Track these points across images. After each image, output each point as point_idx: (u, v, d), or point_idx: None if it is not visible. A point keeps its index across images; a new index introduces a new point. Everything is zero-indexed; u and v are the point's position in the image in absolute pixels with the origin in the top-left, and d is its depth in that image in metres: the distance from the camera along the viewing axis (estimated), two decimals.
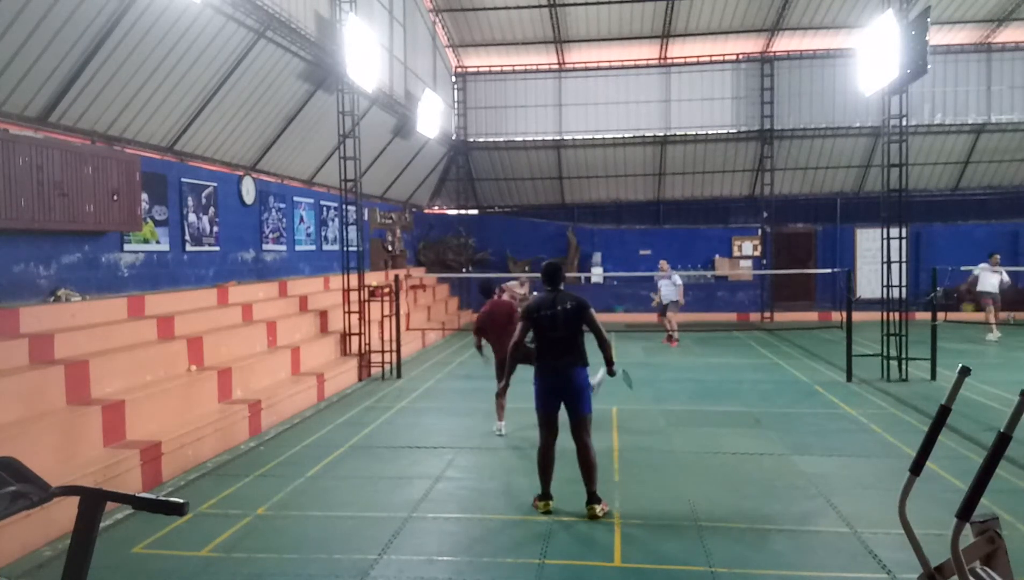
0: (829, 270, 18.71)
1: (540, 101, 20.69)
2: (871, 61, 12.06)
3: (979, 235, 19.05)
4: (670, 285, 15.42)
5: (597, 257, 20.70)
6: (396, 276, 13.15)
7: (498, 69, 20.74)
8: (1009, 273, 17.90)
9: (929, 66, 10.19)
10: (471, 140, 21.13)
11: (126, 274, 8.88)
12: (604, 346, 5.91)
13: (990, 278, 15.11)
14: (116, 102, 8.46)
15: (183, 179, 10.00)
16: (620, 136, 20.49)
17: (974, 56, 19.24)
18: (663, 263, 15.93)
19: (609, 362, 6.01)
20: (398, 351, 12.10)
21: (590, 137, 20.65)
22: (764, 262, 20.27)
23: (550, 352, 5.91)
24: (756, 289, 20.03)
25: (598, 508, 5.70)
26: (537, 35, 19.49)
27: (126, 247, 8.86)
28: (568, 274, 19.68)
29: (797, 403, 9.75)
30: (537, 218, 21.74)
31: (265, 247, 12.28)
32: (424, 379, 11.80)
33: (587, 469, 5.77)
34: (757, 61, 19.88)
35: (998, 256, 15.44)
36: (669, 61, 20.17)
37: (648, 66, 20.27)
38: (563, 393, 5.87)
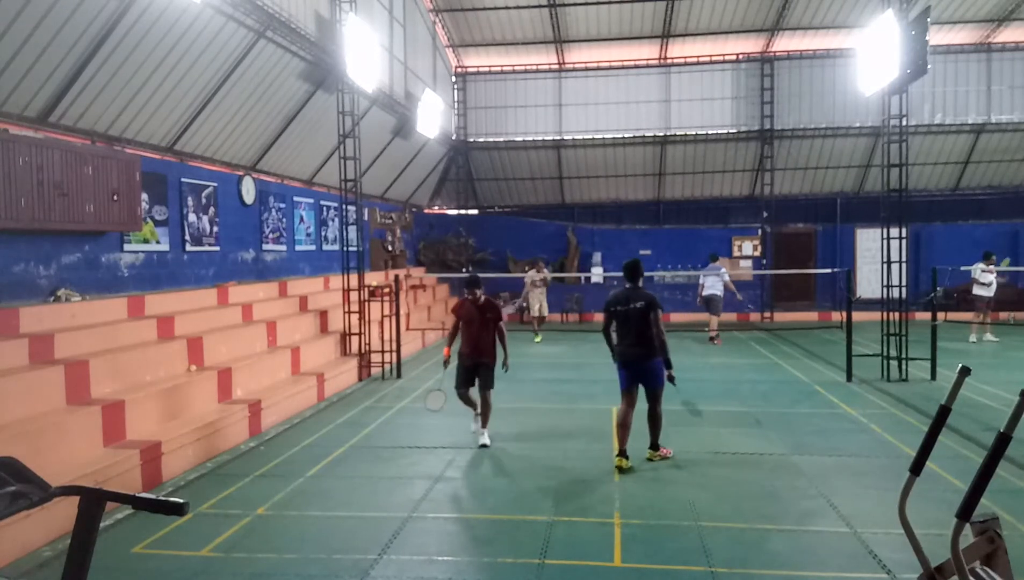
0: (829, 270, 18.70)
1: (540, 101, 20.69)
2: (871, 61, 12.06)
3: (979, 235, 19.04)
4: (718, 280, 15.57)
5: (597, 257, 20.69)
6: (396, 276, 13.15)
7: (498, 69, 20.74)
8: (1010, 273, 17.90)
9: (929, 66, 10.18)
10: (471, 140, 21.12)
11: (126, 274, 8.88)
12: (661, 345, 6.94)
13: (991, 279, 15.05)
14: (116, 102, 8.46)
15: (183, 179, 10.00)
16: (620, 136, 20.49)
17: (974, 56, 19.24)
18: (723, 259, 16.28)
19: (665, 362, 6.99)
20: (398, 351, 12.10)
21: (590, 137, 20.65)
22: (764, 262, 20.27)
23: (625, 342, 7.06)
24: (756, 289, 20.02)
25: (656, 454, 7.10)
26: (537, 35, 19.49)
27: (126, 247, 8.86)
28: (568, 274, 19.74)
29: (797, 403, 9.75)
30: (537, 218, 21.74)
31: (265, 247, 12.28)
32: (424, 379, 11.79)
33: (652, 424, 7.14)
34: (757, 61, 19.88)
35: (995, 256, 15.30)
36: (669, 61, 20.17)
37: (648, 66, 20.27)
38: (638, 374, 7.04)
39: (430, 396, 8.15)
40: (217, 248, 10.82)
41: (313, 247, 14.26)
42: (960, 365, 2.88)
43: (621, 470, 6.79)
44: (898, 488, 3.03)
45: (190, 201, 10.13)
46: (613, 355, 7.25)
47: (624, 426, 6.98)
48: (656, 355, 6.93)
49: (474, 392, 7.84)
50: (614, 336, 7.16)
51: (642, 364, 6.97)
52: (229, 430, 7.88)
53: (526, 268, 18.07)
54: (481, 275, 8.45)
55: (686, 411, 9.22)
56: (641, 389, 7.10)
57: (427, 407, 8.16)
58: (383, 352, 12.04)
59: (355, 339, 12.02)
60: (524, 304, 18.25)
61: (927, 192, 20.48)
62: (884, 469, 6.79)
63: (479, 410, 7.85)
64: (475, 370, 7.80)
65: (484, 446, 7.66)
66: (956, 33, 18.82)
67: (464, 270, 20.23)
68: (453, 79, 20.84)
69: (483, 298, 7.90)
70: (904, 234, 11.20)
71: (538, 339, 16.21)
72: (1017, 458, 6.74)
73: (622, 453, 6.92)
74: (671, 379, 7.04)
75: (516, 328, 18.75)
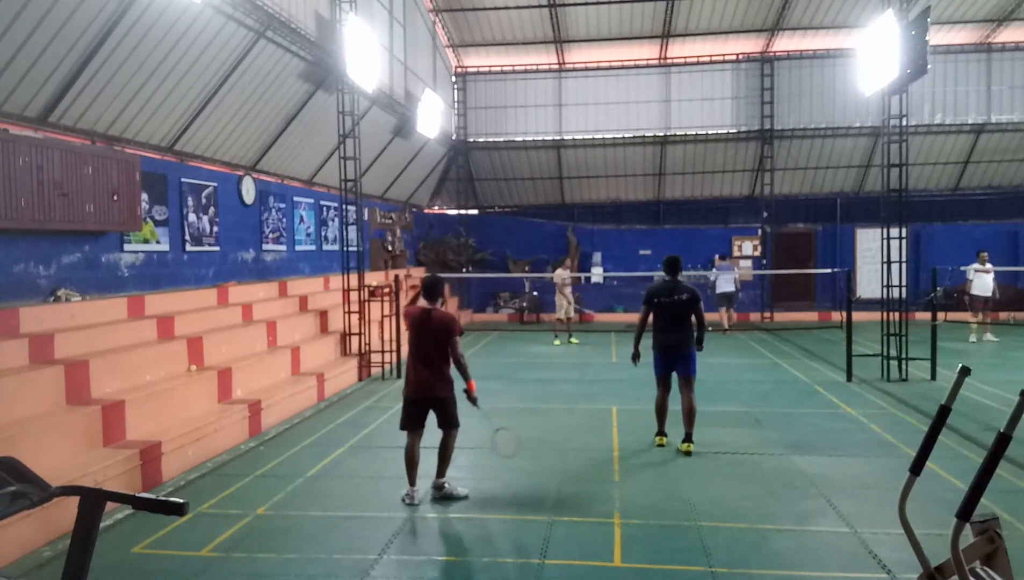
0: (829, 270, 18.70)
1: (540, 101, 20.69)
2: (871, 61, 12.06)
3: (979, 235, 19.02)
4: (731, 277, 16.39)
5: (597, 257, 20.69)
6: (396, 276, 13.15)
7: (498, 69, 20.74)
8: (1009, 273, 17.85)
9: (929, 66, 10.18)
10: (471, 140, 21.12)
11: (126, 274, 8.88)
12: (701, 329, 7.50)
13: (984, 280, 14.86)
14: (116, 102, 8.45)
15: (183, 179, 10.00)
16: (620, 136, 20.48)
17: (974, 56, 19.23)
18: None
19: (699, 341, 7.53)
20: (398, 351, 12.10)
21: (590, 137, 20.65)
22: (764, 262, 20.27)
23: (666, 331, 7.50)
24: (756, 289, 20.03)
25: (691, 446, 7.31)
26: (537, 35, 19.48)
27: (126, 247, 8.86)
28: (568, 274, 19.73)
29: (797, 403, 9.75)
30: (537, 218, 21.73)
31: (265, 247, 12.27)
32: None
33: (688, 417, 7.41)
34: (757, 61, 19.88)
35: (986, 254, 15.14)
36: (669, 61, 20.17)
37: (648, 66, 20.26)
38: (674, 362, 7.49)
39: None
40: (217, 248, 10.82)
41: (313, 247, 14.26)
42: (960, 365, 2.88)
43: (663, 446, 7.53)
44: (898, 488, 3.03)
45: (190, 201, 10.13)
46: (635, 346, 7.62)
47: (662, 410, 7.64)
48: (692, 344, 7.47)
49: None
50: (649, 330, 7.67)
51: (680, 351, 7.46)
52: (229, 430, 7.88)
53: (541, 267, 17.91)
54: (481, 275, 8.18)
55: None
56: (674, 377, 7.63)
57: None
58: (383, 352, 12.04)
59: (355, 339, 12.02)
60: (524, 305, 18.21)
61: (927, 192, 20.47)
62: (884, 469, 6.79)
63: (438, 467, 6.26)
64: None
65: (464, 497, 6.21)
66: (956, 33, 18.82)
67: (464, 270, 20.24)
68: (453, 79, 20.83)
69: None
70: (904, 234, 11.20)
71: (574, 341, 15.76)
72: (1017, 458, 6.74)
73: (661, 433, 7.62)
74: (699, 348, 7.55)
75: (516, 328, 18.75)
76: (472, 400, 6.20)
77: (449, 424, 6.24)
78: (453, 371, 6.21)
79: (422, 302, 6.33)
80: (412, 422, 6.26)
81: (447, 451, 6.25)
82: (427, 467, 6.25)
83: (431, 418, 6.25)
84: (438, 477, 6.24)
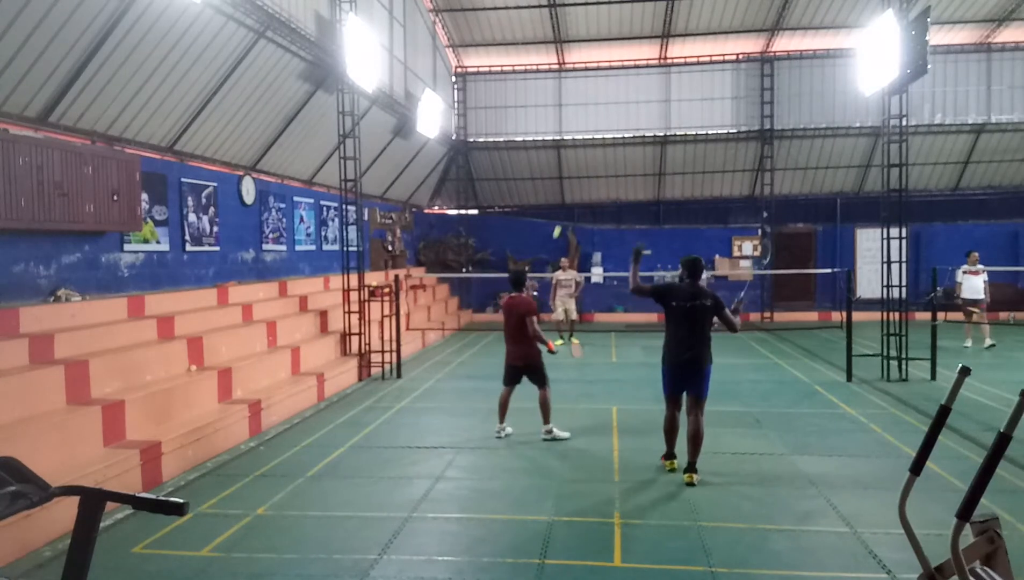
0: (829, 270, 18.70)
1: (540, 101, 20.68)
2: (871, 61, 12.06)
3: (979, 235, 19.01)
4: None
5: (597, 257, 20.69)
6: (396, 276, 13.15)
7: (498, 69, 20.74)
8: (1009, 273, 17.78)
9: (929, 66, 10.19)
10: (471, 140, 21.12)
11: (126, 274, 8.88)
12: (733, 327, 6.73)
13: (972, 282, 14.37)
14: (116, 102, 8.45)
15: (183, 179, 10.00)
16: (620, 136, 20.48)
17: (974, 56, 19.23)
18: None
19: (735, 312, 6.78)
20: (398, 351, 12.10)
21: (590, 137, 20.65)
22: (764, 262, 20.27)
23: (680, 344, 6.58)
24: (756, 289, 20.02)
25: (695, 477, 6.44)
26: (537, 35, 19.48)
27: (126, 247, 8.86)
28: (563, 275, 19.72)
29: (797, 403, 9.75)
30: (537, 218, 21.73)
31: (265, 247, 12.27)
32: (424, 379, 11.80)
33: (694, 442, 6.50)
34: (757, 61, 19.88)
35: (976, 254, 14.64)
36: (669, 61, 20.17)
37: (648, 66, 20.26)
38: (687, 380, 6.63)
39: (574, 345, 9.82)
40: (217, 248, 10.82)
41: (313, 247, 14.26)
42: (960, 365, 2.88)
43: (673, 470, 6.74)
44: (898, 488, 3.03)
45: (190, 201, 10.13)
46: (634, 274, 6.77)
47: (672, 430, 6.80)
48: (709, 362, 6.58)
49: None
50: (663, 337, 6.78)
51: (696, 368, 6.52)
52: (229, 430, 7.88)
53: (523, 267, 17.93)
54: (481, 275, 8.53)
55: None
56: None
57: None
58: (383, 352, 12.04)
59: (355, 339, 12.02)
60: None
61: (927, 192, 20.47)
62: (884, 469, 6.79)
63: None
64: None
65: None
66: (956, 33, 18.82)
67: (464, 270, 20.23)
68: (453, 79, 20.83)
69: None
70: (904, 234, 11.20)
71: (574, 341, 15.71)
72: (1017, 458, 6.74)
73: (670, 455, 6.84)
74: (737, 310, 6.80)
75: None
76: (551, 352, 8.09)
77: (541, 383, 7.95)
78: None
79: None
80: (510, 379, 8.11)
81: (545, 404, 7.93)
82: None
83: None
84: (544, 424, 7.94)
